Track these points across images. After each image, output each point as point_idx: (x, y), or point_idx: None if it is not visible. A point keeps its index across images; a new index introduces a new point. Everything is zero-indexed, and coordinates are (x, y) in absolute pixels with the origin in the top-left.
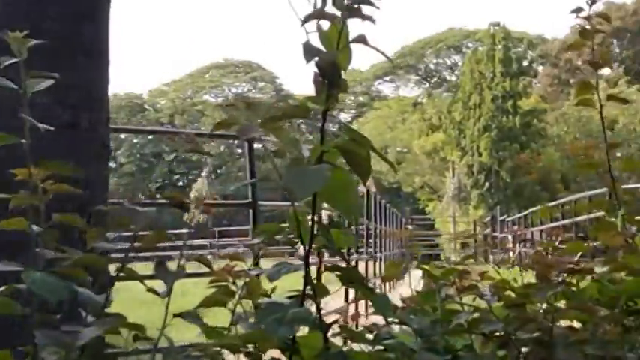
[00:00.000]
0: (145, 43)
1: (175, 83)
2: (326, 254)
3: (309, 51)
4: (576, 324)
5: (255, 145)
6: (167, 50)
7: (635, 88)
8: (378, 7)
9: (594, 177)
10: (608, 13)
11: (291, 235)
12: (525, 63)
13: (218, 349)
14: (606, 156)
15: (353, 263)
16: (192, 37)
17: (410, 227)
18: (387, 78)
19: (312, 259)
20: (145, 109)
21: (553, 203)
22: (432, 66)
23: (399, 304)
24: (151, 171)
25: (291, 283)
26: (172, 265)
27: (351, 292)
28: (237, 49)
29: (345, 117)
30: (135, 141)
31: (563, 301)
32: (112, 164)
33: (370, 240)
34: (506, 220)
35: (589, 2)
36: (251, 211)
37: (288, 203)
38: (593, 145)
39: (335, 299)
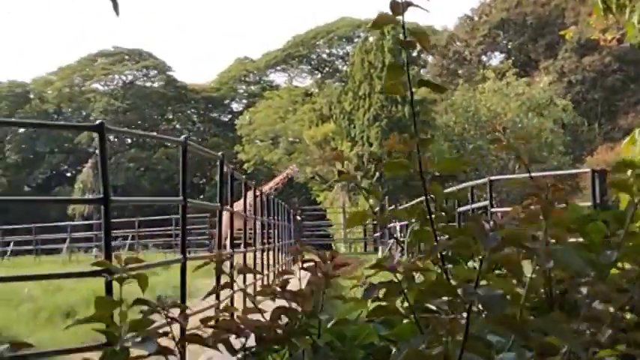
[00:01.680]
0: (29, 30)
1: (62, 71)
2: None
3: None
4: None
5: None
6: (51, 38)
7: (523, 80)
8: None
9: (482, 167)
10: (493, 6)
11: None
12: (415, 53)
13: None
14: (417, 153)
15: (242, 256)
16: (78, 24)
17: (299, 218)
18: (279, 68)
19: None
20: (30, 99)
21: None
22: (324, 56)
23: None
24: (38, 162)
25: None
26: None
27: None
28: (126, 38)
29: (236, 106)
30: (21, 131)
31: None
32: None
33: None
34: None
35: None
36: (103, 207)
37: (147, 197)
38: (406, 141)
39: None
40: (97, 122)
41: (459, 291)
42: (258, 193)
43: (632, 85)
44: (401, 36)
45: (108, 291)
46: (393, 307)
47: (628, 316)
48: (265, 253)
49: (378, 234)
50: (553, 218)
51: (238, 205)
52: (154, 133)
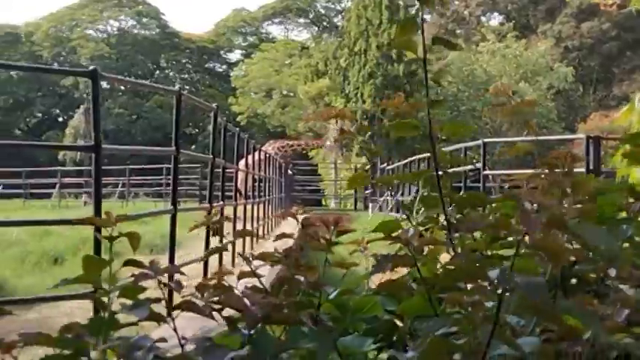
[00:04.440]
0: None
1: (52, 16)
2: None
3: None
4: None
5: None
6: None
7: (522, 43)
8: None
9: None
10: None
11: None
12: (412, 11)
13: None
14: (427, 116)
15: (242, 207)
16: None
17: (290, 172)
18: (277, 20)
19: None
20: (20, 43)
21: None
22: (322, 10)
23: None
24: (29, 106)
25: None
26: None
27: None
28: None
29: (231, 58)
30: (11, 74)
31: None
32: None
33: (256, 185)
34: (387, 168)
35: None
36: (93, 155)
37: (139, 147)
38: (414, 105)
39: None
40: (91, 68)
41: (493, 275)
42: (262, 153)
43: (629, 52)
44: None
45: (97, 247)
46: (404, 282)
47: None
48: (256, 206)
49: (368, 191)
50: (577, 191)
51: (242, 164)
52: (148, 82)
